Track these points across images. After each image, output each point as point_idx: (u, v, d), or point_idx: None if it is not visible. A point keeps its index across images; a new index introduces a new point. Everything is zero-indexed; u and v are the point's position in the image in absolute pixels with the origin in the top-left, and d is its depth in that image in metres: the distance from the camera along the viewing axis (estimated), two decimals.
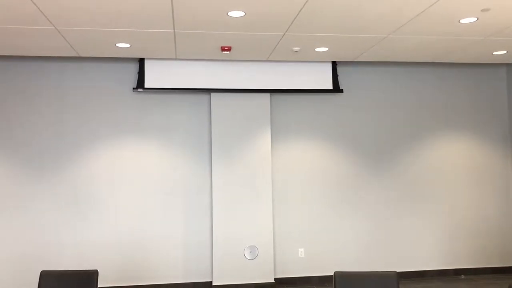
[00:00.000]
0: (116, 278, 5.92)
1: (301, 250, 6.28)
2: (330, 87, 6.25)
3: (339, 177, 6.43)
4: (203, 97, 6.24)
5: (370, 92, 6.59)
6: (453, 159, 6.67)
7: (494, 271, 6.59)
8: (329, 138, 6.46)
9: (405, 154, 6.59)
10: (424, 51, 5.65)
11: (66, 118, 5.99)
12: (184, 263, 6.05)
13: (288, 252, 6.26)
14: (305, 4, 3.97)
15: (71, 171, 5.94)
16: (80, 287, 3.10)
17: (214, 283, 5.93)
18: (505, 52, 5.74)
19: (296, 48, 5.41)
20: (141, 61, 5.93)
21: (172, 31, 4.67)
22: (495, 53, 5.79)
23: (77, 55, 5.55)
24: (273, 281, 6.03)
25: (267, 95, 6.20)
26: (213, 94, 6.11)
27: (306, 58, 5.95)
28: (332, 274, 6.09)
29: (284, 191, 6.32)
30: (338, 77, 6.51)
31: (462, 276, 6.48)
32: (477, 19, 4.45)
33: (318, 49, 5.48)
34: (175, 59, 5.96)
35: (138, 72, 5.99)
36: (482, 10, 4.22)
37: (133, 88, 5.94)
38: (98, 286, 5.81)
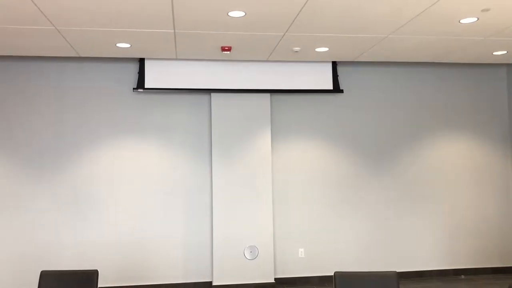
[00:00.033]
0: (116, 278, 5.92)
1: (301, 250, 6.28)
2: (330, 87, 6.25)
3: (339, 177, 6.43)
4: (203, 97, 6.24)
5: (370, 92, 6.59)
6: (453, 159, 6.67)
7: (494, 271, 6.59)
8: (329, 138, 6.46)
9: (405, 154, 6.59)
10: (424, 51, 5.65)
11: (66, 118, 5.99)
12: (184, 263, 6.05)
13: (288, 252, 6.26)
14: (305, 4, 3.97)
15: (71, 171, 5.94)
16: (80, 287, 3.10)
17: (214, 283, 5.93)
18: (505, 52, 5.74)
19: (296, 48, 5.41)
20: (141, 61, 5.93)
21: (172, 31, 4.67)
22: (495, 53, 5.79)
23: (77, 55, 5.55)
24: (273, 281, 6.03)
25: (267, 95, 6.20)
26: (213, 94, 6.10)
27: (306, 58, 5.94)
28: (332, 274, 6.09)
29: (284, 191, 6.32)
30: (338, 77, 6.51)
31: (462, 276, 6.48)
32: (477, 19, 4.45)
33: (318, 49, 5.48)
34: (175, 59, 5.95)
35: (138, 73, 5.99)
36: (482, 10, 4.22)
37: (134, 88, 5.94)
38: (98, 286, 5.81)
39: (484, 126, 6.79)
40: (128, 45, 5.16)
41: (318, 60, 6.06)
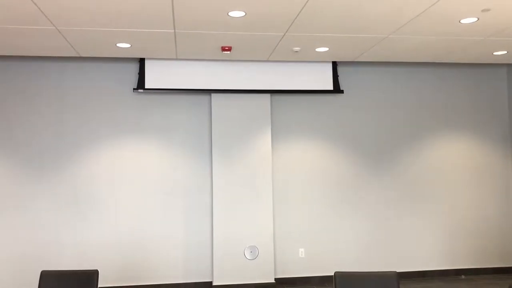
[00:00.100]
0: (116, 278, 5.92)
1: (301, 250, 6.28)
2: (331, 87, 6.24)
3: (339, 177, 6.43)
4: (204, 97, 6.24)
5: (370, 92, 6.59)
6: (453, 159, 6.67)
7: (494, 271, 6.59)
8: (329, 138, 6.46)
9: (405, 154, 6.59)
10: (424, 51, 5.65)
11: (66, 118, 5.99)
12: (184, 263, 6.05)
13: (289, 252, 6.26)
14: (305, 4, 3.97)
15: (71, 171, 5.94)
16: (80, 287, 3.10)
17: (214, 283, 5.93)
18: (505, 52, 5.74)
19: (297, 48, 5.41)
20: (142, 61, 5.93)
21: (173, 31, 4.67)
22: (495, 53, 5.79)
23: (77, 55, 5.55)
24: (273, 281, 6.03)
25: (268, 95, 6.20)
26: (213, 95, 6.10)
27: (307, 58, 5.94)
28: (333, 274, 6.09)
29: (285, 191, 6.32)
30: (339, 78, 6.51)
31: (463, 276, 6.48)
32: (478, 19, 4.45)
33: (318, 49, 5.48)
34: (176, 59, 5.96)
35: (138, 73, 5.99)
36: (482, 11, 4.22)
37: (134, 89, 5.94)
38: (98, 286, 5.81)
39: (484, 126, 6.79)
40: (128, 45, 5.16)
41: (318, 60, 6.06)
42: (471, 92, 6.82)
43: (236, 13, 4.17)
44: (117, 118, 6.07)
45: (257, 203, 6.06)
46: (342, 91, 6.30)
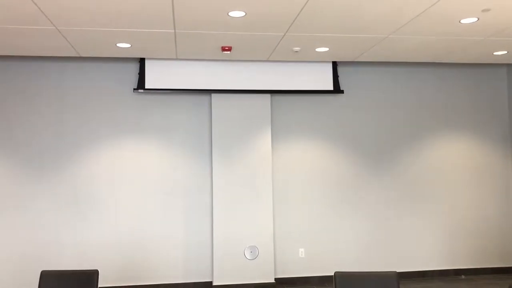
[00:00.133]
0: (116, 278, 5.92)
1: (301, 250, 6.28)
2: (331, 87, 6.24)
3: (339, 177, 6.43)
4: (204, 97, 6.24)
5: (370, 92, 6.59)
6: (453, 159, 6.67)
7: (494, 271, 6.59)
8: (329, 138, 6.46)
9: (405, 154, 6.59)
10: (424, 51, 5.65)
11: (66, 118, 5.99)
12: (184, 263, 6.05)
13: (289, 252, 6.26)
14: (305, 4, 3.97)
15: (71, 171, 5.94)
16: (80, 287, 3.10)
17: (214, 283, 5.93)
18: (505, 52, 5.74)
19: (297, 48, 5.41)
20: (142, 61, 5.93)
21: (173, 31, 4.67)
22: (495, 53, 5.79)
23: (77, 55, 5.55)
24: (273, 281, 6.03)
25: (268, 95, 6.20)
26: (213, 95, 6.10)
27: (307, 58, 5.94)
28: (333, 274, 6.09)
29: (285, 191, 6.32)
30: (339, 78, 6.51)
31: (463, 276, 6.48)
32: (478, 19, 4.45)
33: (318, 49, 5.48)
34: (176, 59, 5.96)
35: (139, 73, 5.99)
36: (482, 11, 4.22)
37: (134, 89, 5.94)
38: (98, 286, 5.81)
39: (484, 126, 6.79)
40: (128, 45, 5.16)
41: (318, 60, 6.06)
42: (471, 92, 6.82)
43: (236, 13, 4.17)
44: (117, 118, 6.07)
45: (257, 203, 6.06)
46: (342, 91, 6.30)
